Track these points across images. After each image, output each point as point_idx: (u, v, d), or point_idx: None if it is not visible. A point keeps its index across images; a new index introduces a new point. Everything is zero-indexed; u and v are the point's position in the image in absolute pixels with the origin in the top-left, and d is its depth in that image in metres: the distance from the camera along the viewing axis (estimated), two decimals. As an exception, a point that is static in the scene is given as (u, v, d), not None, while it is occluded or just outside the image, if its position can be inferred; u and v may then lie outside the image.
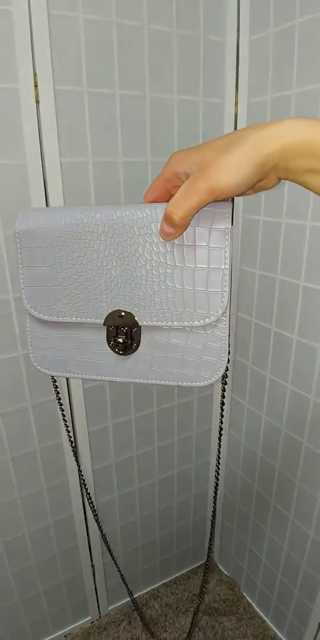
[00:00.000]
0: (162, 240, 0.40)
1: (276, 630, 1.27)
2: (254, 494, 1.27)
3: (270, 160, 0.34)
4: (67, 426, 0.55)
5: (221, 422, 0.57)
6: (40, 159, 0.80)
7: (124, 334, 0.44)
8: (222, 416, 0.56)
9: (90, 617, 1.28)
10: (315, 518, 1.05)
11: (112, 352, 0.45)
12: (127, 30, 0.81)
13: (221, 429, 0.58)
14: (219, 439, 0.59)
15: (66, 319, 0.45)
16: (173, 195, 0.41)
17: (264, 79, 0.90)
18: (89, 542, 1.17)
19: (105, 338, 0.45)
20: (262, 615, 1.32)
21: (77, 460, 0.56)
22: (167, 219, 0.38)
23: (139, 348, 0.45)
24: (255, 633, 1.27)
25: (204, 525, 1.46)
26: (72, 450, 0.58)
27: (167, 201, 0.41)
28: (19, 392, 0.92)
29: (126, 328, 0.44)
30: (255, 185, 0.37)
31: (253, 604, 1.35)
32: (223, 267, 0.40)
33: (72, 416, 1.01)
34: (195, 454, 1.31)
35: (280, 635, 1.26)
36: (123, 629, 1.26)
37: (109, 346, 0.45)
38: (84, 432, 1.04)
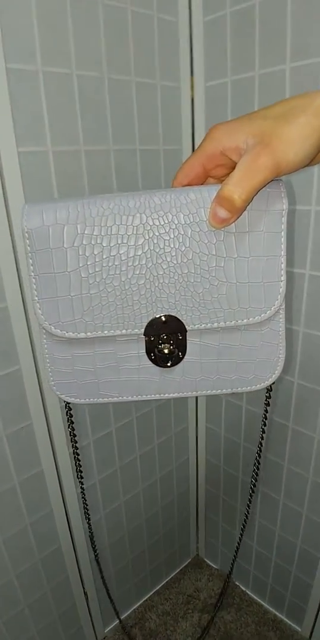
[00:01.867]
0: (212, 228, 0.34)
1: (275, 612, 1.28)
2: (239, 484, 1.26)
3: None
4: (77, 454, 0.47)
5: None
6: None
7: (168, 342, 0.37)
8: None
9: (87, 647, 1.20)
10: (308, 496, 1.06)
11: (154, 365, 0.38)
12: (81, 3, 0.73)
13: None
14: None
15: (96, 333, 0.37)
16: (212, 177, 0.36)
17: (222, 61, 0.86)
18: (79, 571, 1.09)
19: (145, 350, 0.38)
20: (259, 600, 1.32)
21: (81, 485, 0.48)
22: (225, 201, 0.32)
23: (186, 356, 0.38)
24: (256, 619, 1.27)
25: (189, 524, 1.43)
26: (80, 481, 0.50)
27: (202, 183, 0.36)
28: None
29: (171, 335, 0.37)
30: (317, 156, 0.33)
31: (248, 591, 1.35)
32: (280, 253, 0.35)
33: (51, 440, 0.92)
34: (175, 454, 1.27)
35: (280, 616, 1.27)
36: (124, 651, 1.20)
37: (150, 359, 0.38)
38: (65, 454, 0.95)
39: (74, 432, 0.45)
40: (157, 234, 0.34)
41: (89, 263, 0.35)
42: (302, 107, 0.30)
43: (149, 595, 1.35)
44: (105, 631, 1.25)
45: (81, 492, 0.47)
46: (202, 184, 0.37)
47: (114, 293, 0.36)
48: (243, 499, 1.26)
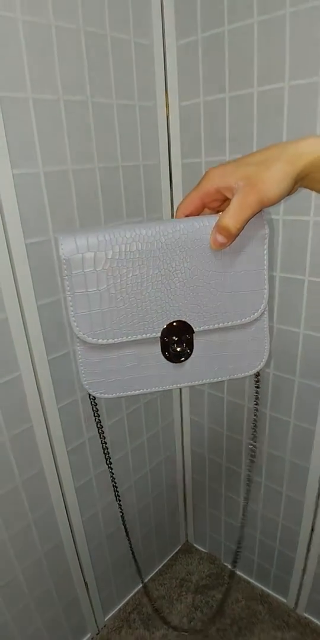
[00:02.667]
0: (213, 250, 0.43)
1: (262, 587, 1.38)
2: (223, 470, 1.35)
3: (303, 171, 0.39)
4: (106, 450, 0.54)
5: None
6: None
7: (180, 342, 0.46)
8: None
9: (89, 634, 1.26)
10: (286, 476, 1.17)
11: (168, 362, 0.47)
12: (65, 33, 0.80)
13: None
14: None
15: (124, 338, 0.45)
16: (208, 208, 0.44)
17: (195, 82, 0.94)
18: (80, 562, 1.15)
19: (160, 350, 0.46)
20: (247, 577, 1.42)
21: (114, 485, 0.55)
22: (223, 230, 0.41)
23: (193, 352, 0.47)
24: (245, 595, 1.37)
25: (178, 512, 1.51)
26: (111, 475, 0.57)
27: (199, 214, 0.44)
28: (-4, 429, 0.88)
29: (181, 336, 0.45)
30: None
31: (236, 570, 1.45)
32: (264, 267, 0.44)
33: (50, 441, 0.98)
34: (163, 447, 1.35)
35: (267, 590, 1.37)
36: (125, 633, 1.27)
37: (165, 357, 0.46)
38: (64, 454, 1.02)
39: (99, 417, 0.53)
40: (170, 257, 0.43)
41: (116, 282, 0.42)
42: (277, 156, 0.39)
43: (145, 582, 1.43)
44: (105, 619, 1.31)
45: (109, 468, 0.55)
46: (199, 214, 0.45)
47: (137, 305, 0.44)
48: (227, 485, 1.35)
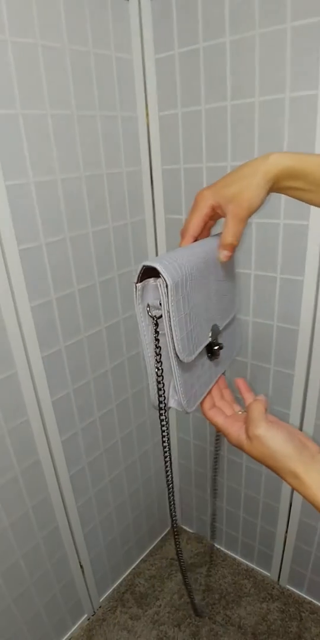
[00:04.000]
0: (221, 262, 0.52)
1: (247, 562, 1.48)
2: (207, 454, 1.44)
3: (274, 181, 0.48)
4: (164, 444, 0.55)
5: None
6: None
7: (216, 341, 0.54)
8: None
9: (86, 615, 1.34)
10: (266, 455, 1.25)
11: (210, 360, 0.55)
12: (51, 52, 0.86)
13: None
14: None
15: (196, 352, 0.50)
16: (208, 227, 0.54)
17: (173, 94, 1.01)
18: (75, 545, 1.23)
19: (206, 353, 0.54)
20: (232, 554, 1.52)
21: (168, 460, 0.56)
22: (229, 246, 0.50)
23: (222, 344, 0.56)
24: (231, 571, 1.46)
25: (165, 496, 1.59)
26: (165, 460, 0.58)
27: (200, 233, 0.53)
28: (-5, 423, 0.94)
29: (215, 336, 0.54)
30: None
31: (222, 548, 1.54)
32: (235, 273, 0.54)
33: (45, 432, 1.05)
34: (151, 434, 1.43)
35: (251, 565, 1.48)
36: (120, 612, 1.35)
37: (208, 357, 0.54)
38: (58, 444, 1.08)
39: (168, 430, 0.54)
40: (209, 270, 0.52)
41: (192, 302, 0.48)
42: (253, 174, 0.48)
43: (136, 563, 1.51)
44: (100, 600, 1.39)
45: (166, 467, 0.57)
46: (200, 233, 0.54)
47: (199, 318, 0.50)
48: (212, 468, 1.44)
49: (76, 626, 1.32)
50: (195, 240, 0.53)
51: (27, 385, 0.97)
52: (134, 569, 1.50)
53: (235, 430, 0.52)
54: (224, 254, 0.51)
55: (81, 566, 1.27)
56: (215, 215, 0.53)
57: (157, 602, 1.38)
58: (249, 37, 0.86)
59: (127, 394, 1.28)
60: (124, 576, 1.47)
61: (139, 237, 1.18)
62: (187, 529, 1.65)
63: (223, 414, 0.55)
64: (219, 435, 0.61)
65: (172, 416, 1.47)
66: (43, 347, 0.98)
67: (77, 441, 1.15)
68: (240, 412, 0.55)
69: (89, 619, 1.35)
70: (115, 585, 1.44)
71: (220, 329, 0.55)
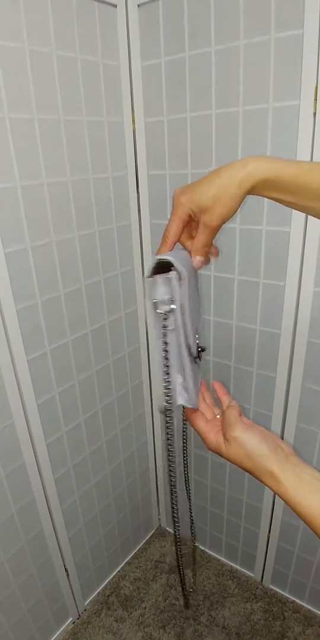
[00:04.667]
0: (196, 269, 0.53)
1: (231, 563, 1.50)
2: (191, 456, 1.45)
3: (251, 187, 0.48)
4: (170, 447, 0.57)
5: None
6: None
7: (200, 345, 0.55)
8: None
9: (71, 619, 1.34)
10: (250, 457, 1.27)
11: (195, 363, 0.55)
12: (39, 56, 0.86)
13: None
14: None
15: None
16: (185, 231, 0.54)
17: (159, 101, 1.03)
18: (60, 548, 1.22)
19: (192, 357, 0.55)
20: (216, 555, 1.53)
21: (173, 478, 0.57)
22: (202, 251, 0.51)
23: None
24: (215, 572, 1.48)
25: (150, 498, 1.60)
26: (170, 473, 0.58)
27: (180, 236, 0.53)
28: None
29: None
30: None
31: (206, 550, 1.55)
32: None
33: (30, 435, 1.05)
34: (135, 437, 1.43)
35: (235, 566, 1.49)
36: (105, 615, 1.35)
37: (195, 360, 0.55)
38: (43, 447, 1.08)
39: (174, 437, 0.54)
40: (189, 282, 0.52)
41: (189, 303, 0.51)
42: (229, 183, 0.47)
43: (121, 566, 1.51)
44: (85, 603, 1.39)
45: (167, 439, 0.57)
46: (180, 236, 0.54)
47: (192, 324, 0.52)
48: (196, 468, 1.45)
49: (61, 630, 1.31)
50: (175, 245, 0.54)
51: (12, 388, 0.97)
52: (119, 571, 1.50)
53: (213, 435, 0.53)
54: (196, 260, 0.52)
55: (66, 569, 1.27)
56: (193, 221, 0.53)
57: (142, 604, 1.39)
58: (233, 47, 0.88)
59: (113, 397, 1.29)
60: (109, 579, 1.47)
61: (125, 242, 1.19)
62: (172, 531, 1.65)
63: (204, 418, 0.56)
64: (185, 426, 0.61)
65: (157, 417, 1.48)
66: (28, 350, 0.98)
67: (62, 444, 1.15)
68: (218, 416, 0.56)
69: (73, 623, 1.34)
70: (100, 588, 1.44)
71: (197, 334, 0.56)
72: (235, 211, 0.48)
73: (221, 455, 0.52)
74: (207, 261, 0.53)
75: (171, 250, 0.53)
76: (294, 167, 0.46)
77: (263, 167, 0.47)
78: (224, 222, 0.49)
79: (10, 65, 0.82)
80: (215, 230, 0.49)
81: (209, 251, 0.52)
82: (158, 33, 0.97)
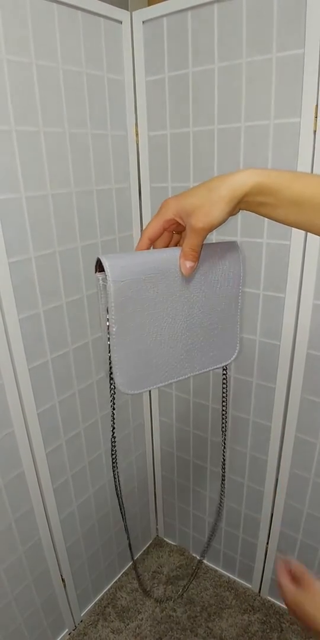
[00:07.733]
0: (184, 275, 0.52)
1: (229, 574, 1.50)
2: (190, 466, 1.45)
3: (241, 198, 0.48)
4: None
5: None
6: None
7: None
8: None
9: (67, 630, 1.33)
10: (247, 469, 1.28)
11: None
12: (45, 71, 0.88)
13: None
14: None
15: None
16: (167, 232, 0.54)
17: (162, 115, 1.05)
18: (57, 559, 1.22)
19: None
20: (214, 566, 1.53)
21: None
22: (190, 256, 0.50)
23: None
24: (213, 583, 1.47)
25: (148, 508, 1.60)
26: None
27: (159, 237, 0.54)
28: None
29: None
30: None
31: (204, 560, 1.55)
32: None
33: (30, 444, 1.05)
34: (134, 447, 1.44)
35: (233, 577, 1.49)
36: (101, 626, 1.34)
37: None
38: (42, 455, 1.08)
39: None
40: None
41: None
42: (219, 188, 0.48)
43: (118, 577, 1.51)
44: (82, 614, 1.38)
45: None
46: (159, 237, 0.54)
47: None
48: (195, 479, 1.46)
49: (57, 641, 1.30)
50: (152, 243, 0.54)
51: (13, 396, 0.97)
52: (115, 582, 1.49)
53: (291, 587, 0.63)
54: (186, 266, 0.52)
55: (63, 580, 1.26)
56: (179, 226, 0.53)
57: (139, 615, 1.38)
58: (236, 65, 0.90)
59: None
60: (105, 590, 1.46)
61: (127, 252, 1.20)
62: (169, 542, 1.65)
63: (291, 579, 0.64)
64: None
65: (155, 428, 1.48)
66: (30, 359, 0.99)
67: (62, 453, 1.15)
68: None
69: (70, 634, 1.33)
70: (97, 599, 1.43)
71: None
72: (223, 216, 0.48)
73: (296, 608, 0.62)
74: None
75: (147, 246, 0.54)
76: (286, 174, 0.47)
77: (255, 173, 0.47)
78: (210, 225, 0.48)
79: (18, 79, 0.84)
80: (201, 234, 0.49)
81: (197, 256, 0.51)
82: (162, 49, 0.99)
